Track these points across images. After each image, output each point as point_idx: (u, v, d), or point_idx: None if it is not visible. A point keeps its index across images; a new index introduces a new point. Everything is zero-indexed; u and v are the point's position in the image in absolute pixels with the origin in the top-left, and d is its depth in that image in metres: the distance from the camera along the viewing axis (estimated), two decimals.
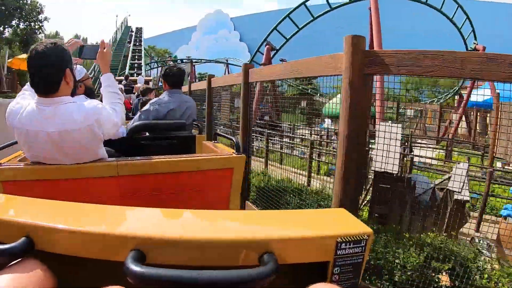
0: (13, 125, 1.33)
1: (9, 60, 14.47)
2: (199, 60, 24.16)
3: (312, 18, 14.59)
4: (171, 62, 23.37)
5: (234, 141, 1.79)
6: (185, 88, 5.75)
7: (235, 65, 26.93)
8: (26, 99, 1.42)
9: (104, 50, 1.61)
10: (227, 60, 26.51)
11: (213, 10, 45.70)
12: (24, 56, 11.34)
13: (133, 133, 2.17)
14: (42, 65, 1.28)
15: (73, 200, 1.00)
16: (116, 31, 23.77)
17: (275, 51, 14.78)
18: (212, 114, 4.83)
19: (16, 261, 0.61)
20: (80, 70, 2.33)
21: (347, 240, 0.65)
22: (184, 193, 1.58)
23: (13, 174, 1.36)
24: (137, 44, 21.97)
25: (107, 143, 1.70)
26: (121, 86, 7.44)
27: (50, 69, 1.29)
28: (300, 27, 15.04)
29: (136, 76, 13.31)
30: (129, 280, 0.54)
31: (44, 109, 1.30)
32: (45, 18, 9.07)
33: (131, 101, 6.29)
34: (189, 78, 22.00)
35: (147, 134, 2.29)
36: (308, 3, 14.63)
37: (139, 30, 25.56)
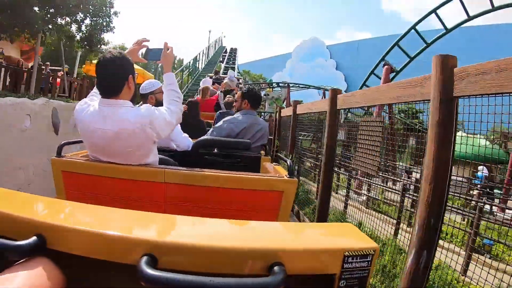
0: (78, 121, 1.50)
1: (82, 66, 13.74)
2: (296, 85, 22.80)
3: (425, 42, 12.14)
4: (267, 87, 22.77)
5: (288, 164, 1.69)
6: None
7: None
8: (93, 100, 1.56)
9: (168, 52, 1.73)
10: (325, 87, 24.81)
11: (308, 37, 45.40)
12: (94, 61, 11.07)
13: (198, 148, 2.14)
14: (108, 71, 1.45)
15: (118, 199, 1.46)
16: (208, 46, 23.69)
17: (395, 73, 12.18)
18: (296, 139, 4.74)
19: (27, 258, 0.62)
20: (154, 83, 2.59)
21: (354, 254, 0.67)
22: (228, 210, 1.54)
23: (71, 166, 1.54)
24: (231, 62, 21.84)
25: (172, 155, 1.99)
26: (209, 79, 7.36)
27: (115, 76, 1.45)
28: (428, 42, 12.29)
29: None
30: (141, 283, 0.55)
31: (105, 110, 1.45)
32: (115, 13, 8.36)
33: (217, 99, 5.94)
34: (284, 103, 20.74)
35: (216, 150, 2.27)
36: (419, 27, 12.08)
37: (233, 50, 25.03)
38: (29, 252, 0.62)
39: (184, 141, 2.29)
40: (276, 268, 0.60)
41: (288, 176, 1.61)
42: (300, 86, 22.89)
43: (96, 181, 1.50)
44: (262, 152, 2.65)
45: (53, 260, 0.64)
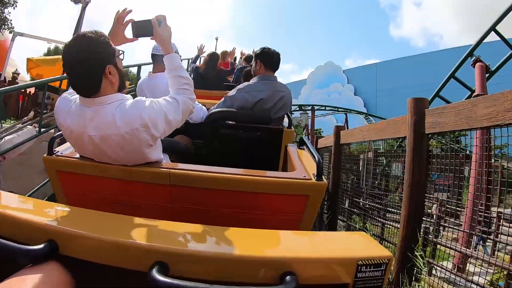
0: (59, 124, 1.26)
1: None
2: (322, 107, 20.08)
3: None
4: None
5: (316, 160, 1.41)
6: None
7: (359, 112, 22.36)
8: (74, 94, 1.27)
9: (160, 27, 1.33)
10: (355, 111, 22.25)
11: (323, 62, 43.92)
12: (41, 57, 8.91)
13: (212, 121, 1.95)
14: (77, 66, 1.13)
15: (122, 201, 1.32)
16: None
17: (488, 73, 9.20)
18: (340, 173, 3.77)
19: (39, 263, 0.63)
20: None
21: (368, 263, 0.65)
22: (242, 214, 1.33)
23: (67, 166, 1.36)
24: None
25: (184, 129, 1.77)
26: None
27: (87, 71, 1.13)
28: None
29: None
30: None
31: (86, 110, 1.19)
32: None
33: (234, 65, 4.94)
34: (304, 131, 18.13)
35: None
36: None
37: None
38: (41, 257, 0.64)
39: (197, 113, 2.04)
40: (288, 277, 0.60)
41: (316, 177, 1.32)
42: (327, 108, 20.19)
43: (96, 182, 1.33)
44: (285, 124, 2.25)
45: (64, 265, 0.65)
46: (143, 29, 1.36)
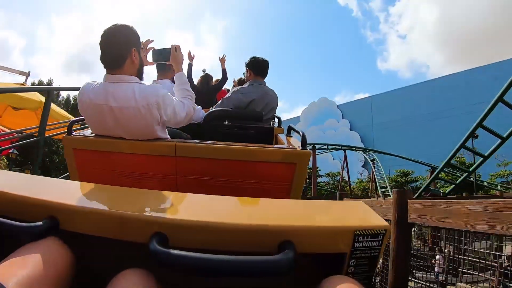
0: (82, 100, 1.41)
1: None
2: (324, 146, 17.91)
3: None
4: None
5: (300, 136, 1.58)
6: None
7: (360, 148, 20.29)
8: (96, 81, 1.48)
9: (176, 52, 1.68)
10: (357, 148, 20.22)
11: (314, 99, 42.91)
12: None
13: (209, 120, 2.12)
14: (110, 42, 1.38)
15: (130, 174, 1.46)
16: None
17: None
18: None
19: (39, 239, 0.63)
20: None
21: (365, 233, 0.65)
22: (239, 182, 1.48)
23: (81, 143, 1.48)
24: None
25: (184, 128, 1.82)
26: None
27: (117, 46, 1.39)
28: None
29: None
30: (153, 261, 0.55)
31: (109, 85, 1.39)
32: None
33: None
34: None
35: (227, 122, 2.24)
36: None
37: None
38: (42, 233, 0.63)
39: (197, 113, 2.18)
40: (286, 246, 0.60)
41: (301, 147, 1.51)
42: (329, 147, 17.97)
43: (106, 157, 1.47)
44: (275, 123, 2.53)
45: (64, 239, 0.65)
46: (160, 55, 1.71)
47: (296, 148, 1.49)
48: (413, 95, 32.47)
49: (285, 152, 1.47)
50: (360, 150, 20.34)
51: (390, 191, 15.38)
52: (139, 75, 1.46)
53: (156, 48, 1.72)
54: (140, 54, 1.45)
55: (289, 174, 1.46)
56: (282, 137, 1.96)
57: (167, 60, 1.68)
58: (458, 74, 28.54)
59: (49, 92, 3.48)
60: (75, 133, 1.52)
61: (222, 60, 4.84)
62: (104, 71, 1.42)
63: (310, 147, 17.13)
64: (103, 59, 1.40)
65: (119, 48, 1.37)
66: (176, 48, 1.67)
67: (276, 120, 2.52)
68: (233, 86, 5.57)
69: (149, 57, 1.74)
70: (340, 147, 17.72)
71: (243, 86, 2.45)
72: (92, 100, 1.37)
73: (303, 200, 1.12)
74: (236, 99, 2.33)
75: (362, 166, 28.20)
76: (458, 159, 17.24)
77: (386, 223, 0.67)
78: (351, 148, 19.08)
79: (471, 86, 26.96)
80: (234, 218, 0.66)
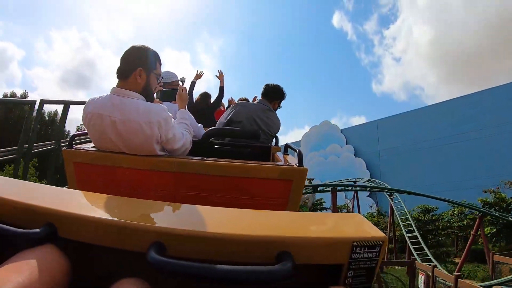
0: (87, 111, 1.47)
1: None
2: (347, 187, 15.13)
3: None
4: None
5: (297, 153, 1.63)
6: None
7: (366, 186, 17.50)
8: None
9: (182, 92, 1.84)
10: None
11: (310, 123, 40.56)
12: None
13: (208, 137, 2.15)
14: (122, 57, 1.52)
15: (128, 189, 1.46)
16: None
17: None
18: None
19: (36, 246, 0.62)
20: (172, 74, 2.79)
21: (363, 244, 0.65)
22: (237, 198, 1.52)
23: (81, 157, 1.52)
24: None
25: None
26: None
27: (125, 61, 1.51)
28: None
29: None
30: (150, 270, 0.55)
31: (115, 98, 1.46)
32: None
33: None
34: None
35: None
36: None
37: None
38: (40, 240, 0.62)
39: (198, 131, 2.26)
40: (284, 256, 0.60)
41: (297, 165, 1.56)
42: (337, 186, 15.00)
43: (106, 171, 1.49)
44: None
45: (61, 247, 0.64)
46: (167, 96, 2.03)
47: (293, 165, 1.56)
48: (420, 119, 30.30)
49: (282, 169, 1.52)
50: (378, 191, 17.56)
51: (416, 231, 13.64)
52: (146, 95, 1.53)
53: (164, 89, 2.13)
54: (148, 76, 1.53)
55: (286, 190, 1.52)
56: (279, 155, 2.07)
57: (173, 100, 1.86)
58: (465, 97, 26.74)
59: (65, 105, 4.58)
60: (76, 146, 1.58)
61: (221, 77, 4.65)
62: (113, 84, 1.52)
63: (330, 188, 14.29)
64: (117, 70, 1.52)
65: (127, 64, 1.50)
66: (183, 90, 1.84)
67: (274, 139, 2.60)
68: (228, 105, 5.49)
69: (157, 96, 1.89)
70: (368, 189, 14.87)
71: (248, 101, 2.77)
72: (96, 110, 1.44)
73: (302, 212, 1.06)
74: (233, 111, 2.52)
75: (368, 196, 25.55)
76: (494, 193, 14.57)
77: (383, 234, 0.67)
78: (365, 189, 16.26)
79: (480, 108, 24.90)
80: (232, 228, 0.66)
